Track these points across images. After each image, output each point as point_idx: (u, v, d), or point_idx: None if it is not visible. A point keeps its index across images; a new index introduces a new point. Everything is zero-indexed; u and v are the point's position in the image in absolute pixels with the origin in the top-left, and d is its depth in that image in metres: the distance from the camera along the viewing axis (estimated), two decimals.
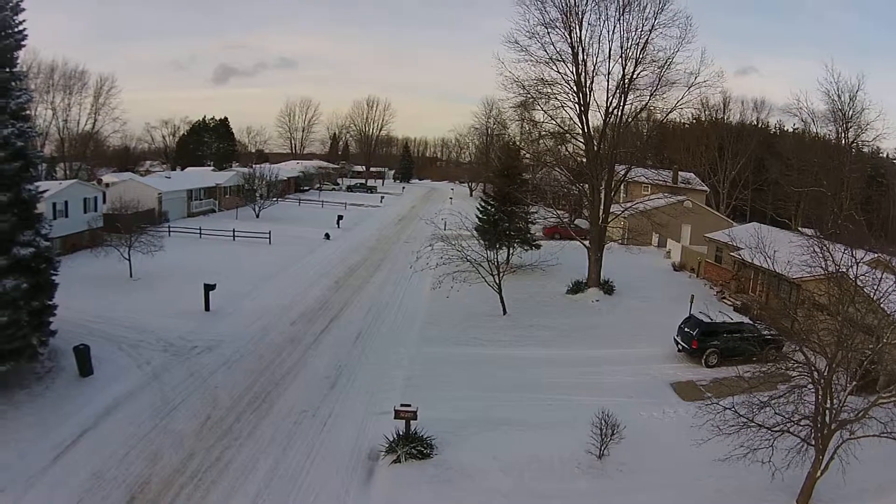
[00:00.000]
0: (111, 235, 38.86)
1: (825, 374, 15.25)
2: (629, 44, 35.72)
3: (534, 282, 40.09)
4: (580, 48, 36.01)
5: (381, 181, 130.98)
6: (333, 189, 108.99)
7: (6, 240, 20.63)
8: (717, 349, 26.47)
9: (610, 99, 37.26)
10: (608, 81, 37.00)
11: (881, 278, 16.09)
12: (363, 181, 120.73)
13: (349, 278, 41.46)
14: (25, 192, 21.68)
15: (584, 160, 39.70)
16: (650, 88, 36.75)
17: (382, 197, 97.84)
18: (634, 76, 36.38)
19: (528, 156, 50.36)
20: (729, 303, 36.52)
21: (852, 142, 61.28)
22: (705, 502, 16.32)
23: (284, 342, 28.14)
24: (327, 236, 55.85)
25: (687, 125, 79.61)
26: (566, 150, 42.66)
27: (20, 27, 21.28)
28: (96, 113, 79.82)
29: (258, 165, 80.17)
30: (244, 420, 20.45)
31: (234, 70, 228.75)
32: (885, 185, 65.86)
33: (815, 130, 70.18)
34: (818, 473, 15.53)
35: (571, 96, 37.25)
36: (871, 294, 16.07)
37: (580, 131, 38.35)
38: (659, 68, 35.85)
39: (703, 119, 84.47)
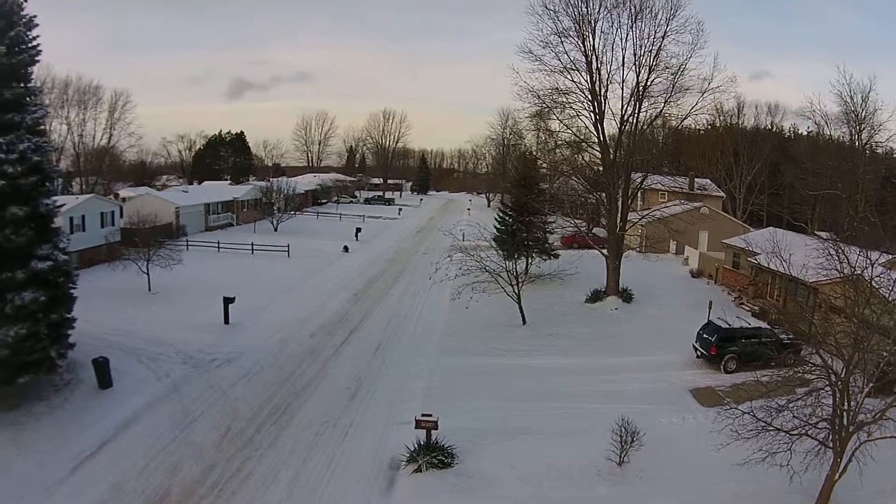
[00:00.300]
0: (129, 249, 39.00)
1: (842, 376, 15.25)
2: (642, 51, 36.05)
3: (552, 291, 40.18)
4: (594, 56, 36.37)
5: (398, 193, 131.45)
6: (351, 202, 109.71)
7: (24, 254, 20.69)
8: (736, 354, 26.37)
9: (625, 107, 37.51)
10: (622, 89, 37.26)
11: None
12: (381, 193, 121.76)
13: (368, 290, 41.77)
14: (42, 207, 21.81)
15: (601, 169, 39.83)
16: (664, 95, 37.05)
17: (400, 209, 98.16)
18: (648, 83, 36.63)
19: (544, 165, 50.70)
20: (747, 308, 36.42)
21: (866, 143, 60.97)
22: None
23: (304, 354, 28.38)
24: (346, 249, 56.20)
25: (702, 131, 79.38)
26: (582, 159, 42.87)
27: (34, 42, 21.26)
28: (111, 128, 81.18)
29: (275, 179, 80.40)
30: (264, 431, 20.58)
31: (249, 84, 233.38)
32: None
33: (828, 133, 69.90)
34: (836, 476, 15.49)
35: (586, 105, 37.54)
36: (887, 295, 16.07)
37: (596, 140, 38.58)
38: (672, 75, 36.16)
39: (718, 125, 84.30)
